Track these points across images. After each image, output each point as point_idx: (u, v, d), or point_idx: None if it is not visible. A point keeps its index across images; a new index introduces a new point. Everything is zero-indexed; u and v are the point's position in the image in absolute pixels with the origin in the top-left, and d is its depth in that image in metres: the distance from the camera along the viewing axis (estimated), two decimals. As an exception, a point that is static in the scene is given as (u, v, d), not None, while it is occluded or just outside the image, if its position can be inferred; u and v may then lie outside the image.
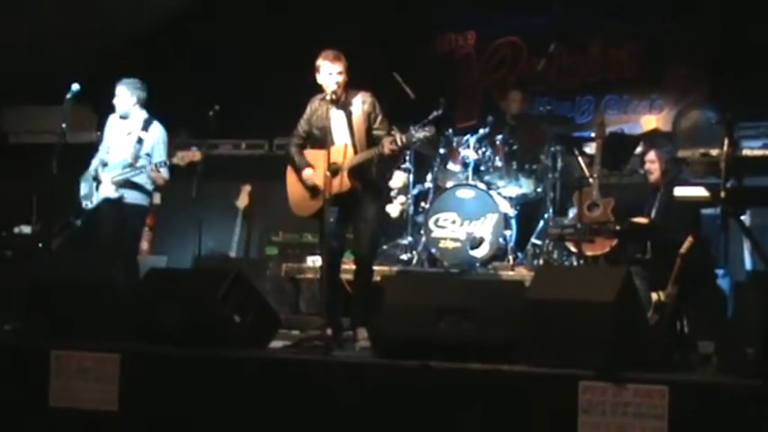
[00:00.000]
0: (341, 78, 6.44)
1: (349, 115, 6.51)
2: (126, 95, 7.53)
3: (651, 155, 7.44)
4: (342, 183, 6.28)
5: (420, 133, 6.47)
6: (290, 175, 6.73)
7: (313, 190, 6.53)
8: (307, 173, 6.56)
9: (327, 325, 6.07)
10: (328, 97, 6.42)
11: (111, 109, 7.62)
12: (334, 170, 6.27)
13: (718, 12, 9.23)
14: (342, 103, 6.51)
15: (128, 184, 7.44)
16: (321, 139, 6.47)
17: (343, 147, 6.38)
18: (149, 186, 7.53)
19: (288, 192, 6.75)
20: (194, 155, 7.45)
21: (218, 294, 5.55)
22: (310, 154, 6.63)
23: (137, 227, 7.71)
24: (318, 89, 6.55)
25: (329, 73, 6.43)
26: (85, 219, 7.61)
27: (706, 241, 6.85)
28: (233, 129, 8.88)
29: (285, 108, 6.79)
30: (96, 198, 7.50)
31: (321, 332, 6.00)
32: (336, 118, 6.48)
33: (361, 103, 6.50)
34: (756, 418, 4.48)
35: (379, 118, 6.53)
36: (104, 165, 7.56)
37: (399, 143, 6.35)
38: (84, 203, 7.58)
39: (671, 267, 5.64)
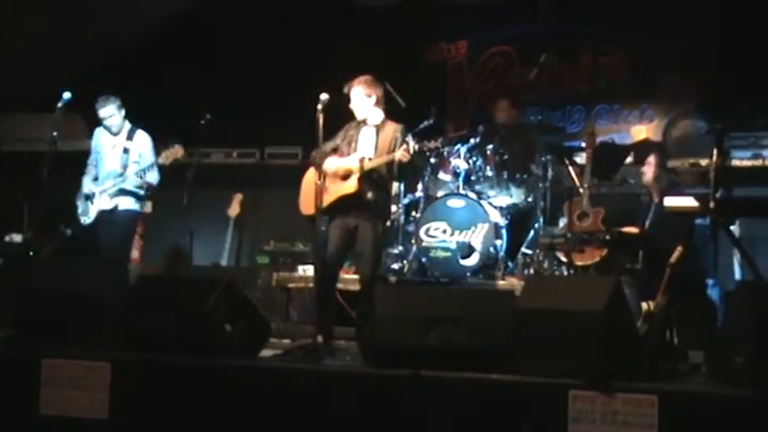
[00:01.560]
0: (364, 102, 6.76)
1: (378, 134, 6.77)
2: (116, 113, 7.73)
3: (651, 158, 7.46)
4: (350, 185, 6.52)
5: (432, 144, 6.78)
6: (310, 172, 6.83)
7: (331, 183, 6.67)
8: (328, 162, 6.69)
9: (318, 333, 6.09)
10: (353, 124, 6.74)
11: (98, 122, 7.69)
12: (346, 175, 6.61)
13: (709, 22, 9.24)
14: (374, 125, 6.80)
15: (120, 192, 7.63)
16: (346, 150, 6.76)
17: (360, 157, 6.64)
18: (141, 192, 7.69)
19: (303, 184, 6.89)
20: (177, 152, 7.56)
21: (209, 303, 5.53)
22: (332, 160, 6.78)
23: (129, 233, 7.84)
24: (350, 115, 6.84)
25: (355, 97, 6.75)
26: (81, 230, 7.69)
27: (697, 251, 6.88)
28: (224, 137, 8.88)
29: (277, 117, 6.82)
30: (92, 213, 7.67)
31: (312, 341, 6.02)
32: (365, 134, 6.78)
33: (393, 129, 6.78)
34: (746, 427, 4.50)
35: (403, 146, 6.69)
36: (95, 179, 7.74)
37: (412, 151, 6.55)
38: (82, 220, 7.75)
39: (662, 277, 5.65)
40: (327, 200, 6.56)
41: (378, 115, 6.86)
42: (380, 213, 6.86)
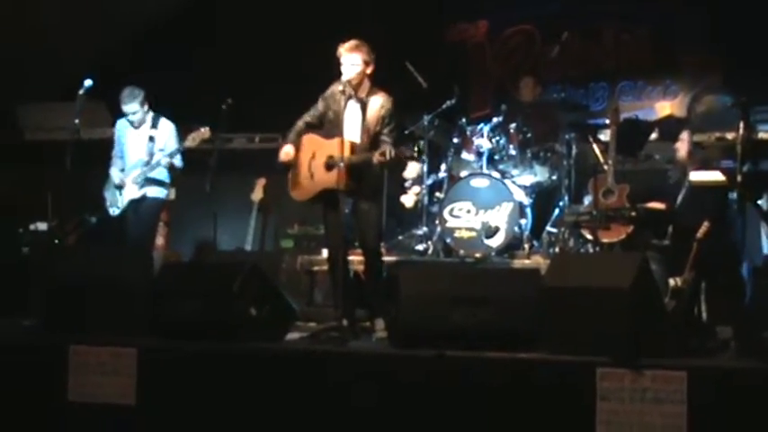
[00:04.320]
0: (359, 69, 6.39)
1: (364, 112, 6.45)
2: (138, 108, 7.77)
3: (684, 134, 7.44)
4: (338, 180, 6.17)
5: (407, 152, 6.51)
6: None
7: (310, 172, 6.48)
8: (285, 149, 6.52)
9: (343, 316, 6.09)
10: (341, 87, 6.34)
11: (121, 111, 7.76)
12: (330, 164, 6.30)
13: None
14: (360, 97, 6.46)
15: (148, 181, 7.72)
16: (333, 125, 6.42)
17: (347, 143, 6.28)
18: (168, 180, 7.78)
19: (289, 173, 6.70)
20: (204, 133, 7.63)
21: (234, 288, 5.56)
22: (315, 140, 6.55)
23: (155, 220, 7.93)
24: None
25: (349, 63, 6.39)
26: (108, 220, 7.79)
27: (729, 226, 6.84)
28: (247, 122, 8.88)
29: (299, 101, 6.78)
30: (121, 203, 7.75)
31: (337, 323, 6.04)
32: (352, 111, 6.43)
33: (379, 105, 6.44)
34: None
35: (391, 126, 6.47)
36: (122, 170, 7.78)
37: (387, 157, 6.22)
38: (111, 211, 7.83)
39: (689, 253, 5.66)
40: (314, 189, 6.48)
41: (366, 85, 6.47)
42: (375, 187, 6.58)
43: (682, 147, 7.38)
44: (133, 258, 6.26)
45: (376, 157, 6.24)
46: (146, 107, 7.79)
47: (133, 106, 7.72)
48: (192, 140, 7.62)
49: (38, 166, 8.62)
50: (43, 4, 9.13)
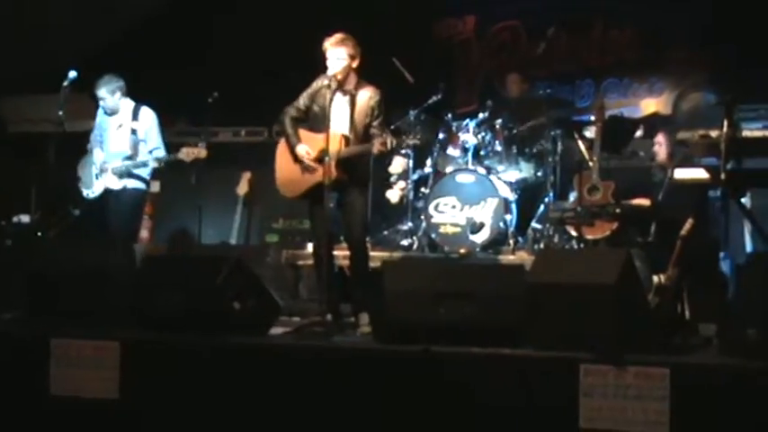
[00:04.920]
0: (345, 63, 6.39)
1: (353, 105, 6.46)
2: (108, 96, 7.69)
3: (659, 137, 7.54)
4: (329, 173, 6.16)
5: (411, 140, 6.58)
6: (282, 151, 6.66)
7: (304, 169, 6.47)
8: (300, 149, 6.48)
9: (328, 311, 6.11)
10: (327, 82, 6.34)
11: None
12: (321, 158, 6.28)
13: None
14: (347, 90, 6.46)
15: (129, 174, 7.62)
16: (319, 120, 6.42)
17: (339, 136, 6.31)
18: (149, 172, 7.71)
19: (276, 167, 6.68)
20: (200, 152, 7.53)
21: (218, 281, 5.57)
22: (304, 135, 6.55)
23: (137, 213, 7.86)
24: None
25: (335, 57, 6.39)
26: (88, 208, 7.70)
27: (711, 223, 6.87)
28: (232, 116, 8.89)
29: (284, 95, 6.78)
30: (98, 188, 7.66)
31: (321, 318, 6.04)
32: (339, 104, 6.42)
33: (368, 97, 6.46)
34: (758, 398, 4.50)
35: (380, 118, 6.49)
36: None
37: (389, 146, 6.30)
38: (84, 192, 7.72)
39: (673, 249, 5.66)
40: (304, 186, 6.48)
41: (353, 78, 6.48)
42: (362, 179, 6.61)
43: (660, 149, 7.50)
44: (116, 250, 6.28)
45: (377, 147, 6.28)
46: (117, 96, 7.66)
47: (102, 92, 7.64)
48: (186, 155, 7.52)
49: (21, 159, 8.62)
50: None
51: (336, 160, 6.22)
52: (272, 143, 9.07)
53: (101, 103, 7.71)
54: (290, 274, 8.12)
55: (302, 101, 6.58)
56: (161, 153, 7.68)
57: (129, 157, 7.62)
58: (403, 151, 8.49)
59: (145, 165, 7.61)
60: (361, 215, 6.56)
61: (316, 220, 6.56)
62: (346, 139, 6.38)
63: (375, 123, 6.47)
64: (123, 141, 7.68)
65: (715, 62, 9.34)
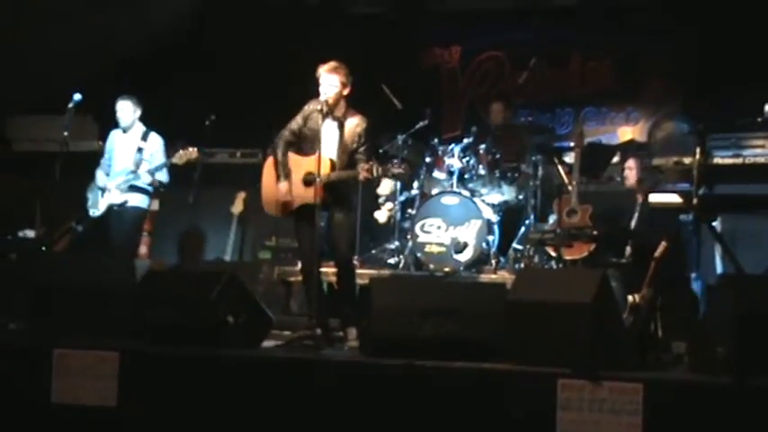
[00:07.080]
0: (337, 90, 6.52)
1: (341, 131, 6.59)
2: (130, 109, 7.93)
3: (630, 162, 7.66)
4: (316, 195, 6.28)
5: (396, 169, 6.70)
6: (269, 170, 6.75)
7: (293, 186, 6.59)
8: (280, 186, 6.61)
9: (317, 325, 6.21)
10: (319, 107, 6.45)
11: (113, 123, 7.92)
12: (309, 180, 6.42)
13: (692, 28, 9.41)
14: (337, 116, 6.59)
15: (131, 188, 7.86)
16: (309, 142, 6.56)
17: (327, 160, 6.44)
18: (150, 189, 7.93)
19: (262, 185, 6.77)
20: (192, 153, 7.73)
21: (213, 296, 5.66)
22: (292, 159, 6.67)
23: (137, 229, 8.07)
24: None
25: (328, 83, 6.52)
26: (92, 224, 7.89)
27: (681, 246, 7.02)
28: (228, 138, 9.00)
29: (278, 119, 6.93)
30: (102, 205, 7.89)
31: (311, 332, 6.15)
32: (328, 129, 6.54)
33: (355, 124, 6.60)
34: (726, 413, 4.62)
35: (366, 145, 6.65)
36: (107, 174, 7.96)
37: (375, 173, 6.46)
38: (91, 212, 7.95)
39: (647, 271, 5.79)
40: (292, 204, 6.59)
41: (342, 106, 6.62)
42: (345, 199, 6.71)
43: (630, 174, 7.61)
44: (116, 265, 6.37)
45: (363, 174, 6.43)
46: (136, 113, 7.92)
47: (124, 104, 7.87)
48: (179, 158, 7.76)
49: (26, 176, 8.69)
50: (34, 19, 9.22)
51: (322, 185, 6.33)
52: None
53: (118, 115, 7.91)
54: (282, 289, 8.19)
55: (295, 124, 6.69)
56: (163, 177, 7.90)
57: (132, 172, 7.84)
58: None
59: (140, 175, 7.81)
60: (346, 234, 6.67)
61: (303, 239, 6.66)
62: (333, 163, 6.52)
63: (361, 150, 6.62)
64: (129, 158, 7.94)
65: (687, 92, 9.48)
